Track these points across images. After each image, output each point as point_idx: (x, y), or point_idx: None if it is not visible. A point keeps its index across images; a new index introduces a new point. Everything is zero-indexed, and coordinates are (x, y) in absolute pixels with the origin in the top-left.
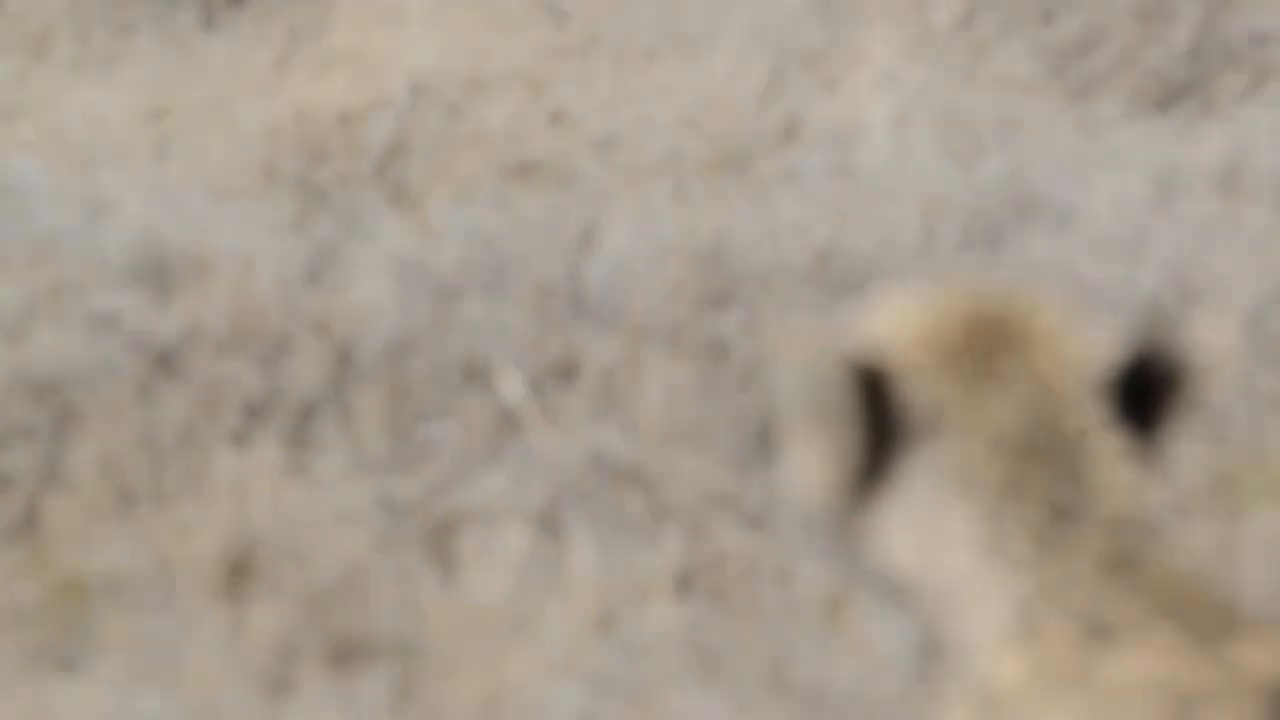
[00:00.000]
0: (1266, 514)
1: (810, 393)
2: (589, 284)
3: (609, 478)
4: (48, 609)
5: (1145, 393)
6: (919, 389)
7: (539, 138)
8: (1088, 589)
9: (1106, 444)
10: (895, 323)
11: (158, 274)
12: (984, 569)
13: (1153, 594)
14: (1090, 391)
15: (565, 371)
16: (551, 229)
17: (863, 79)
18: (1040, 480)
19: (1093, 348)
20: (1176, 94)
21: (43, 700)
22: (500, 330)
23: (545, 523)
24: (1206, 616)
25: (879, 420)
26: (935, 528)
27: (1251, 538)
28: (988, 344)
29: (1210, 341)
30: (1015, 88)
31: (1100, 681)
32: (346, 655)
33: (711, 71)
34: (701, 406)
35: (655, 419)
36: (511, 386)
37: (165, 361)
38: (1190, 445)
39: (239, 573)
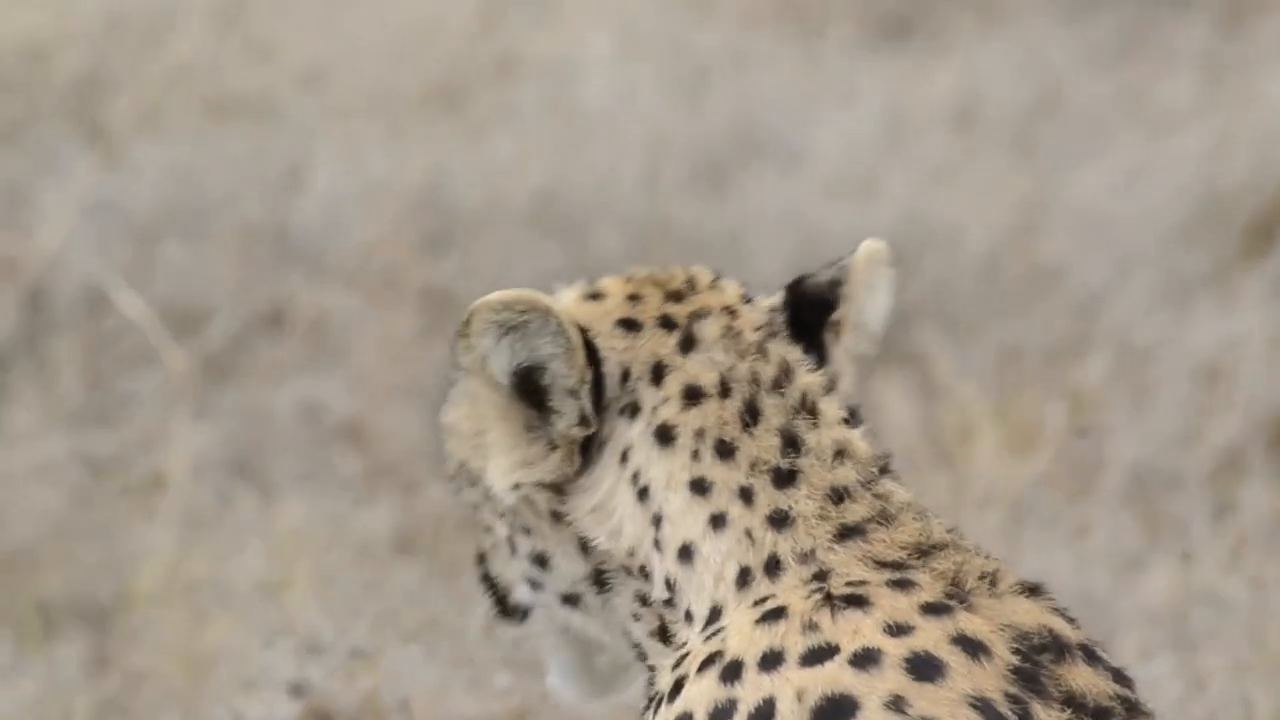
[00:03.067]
0: (999, 466)
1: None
2: (297, 225)
3: (323, 433)
4: None
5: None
6: (612, 357)
7: (240, 71)
8: (803, 536)
9: (809, 389)
10: (584, 303)
11: None
12: (697, 523)
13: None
14: (772, 340)
15: (274, 319)
16: (255, 167)
17: (582, 11)
18: (741, 430)
19: (764, 308)
20: (906, 31)
21: None
22: (204, 275)
23: (253, 479)
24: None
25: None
26: (645, 484)
27: (981, 482)
28: (675, 313)
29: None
30: (742, 22)
31: (825, 628)
32: (46, 619)
33: (423, 1)
34: (421, 357)
35: (372, 370)
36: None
37: None
38: (921, 397)
39: None
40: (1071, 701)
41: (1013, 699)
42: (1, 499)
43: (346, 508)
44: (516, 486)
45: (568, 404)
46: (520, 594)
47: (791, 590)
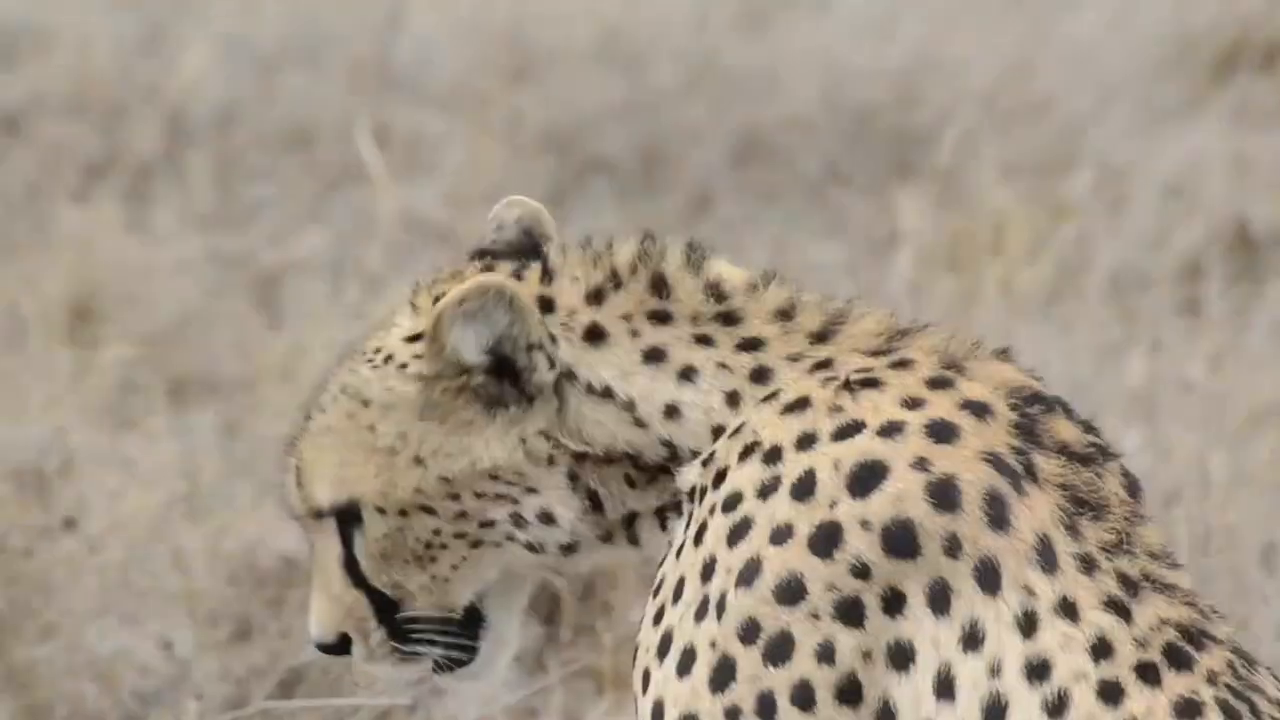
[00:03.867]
0: (1000, 269)
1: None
2: (398, 58)
3: (419, 235)
4: None
5: None
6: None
7: None
8: (780, 347)
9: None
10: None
11: (2, 45)
12: (668, 386)
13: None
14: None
15: (378, 138)
16: (362, 7)
17: None
18: (662, 300)
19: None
20: None
21: None
22: (317, 101)
23: (359, 273)
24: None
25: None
26: (605, 385)
27: (985, 284)
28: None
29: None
30: None
31: (849, 408)
32: (182, 392)
33: None
34: (504, 168)
35: (461, 182)
36: (366, 145)
37: (12, 125)
38: (933, 210)
39: (83, 318)
40: (1063, 450)
41: (1016, 450)
42: (146, 289)
43: None
44: (523, 441)
45: (536, 356)
46: (489, 577)
47: (804, 382)
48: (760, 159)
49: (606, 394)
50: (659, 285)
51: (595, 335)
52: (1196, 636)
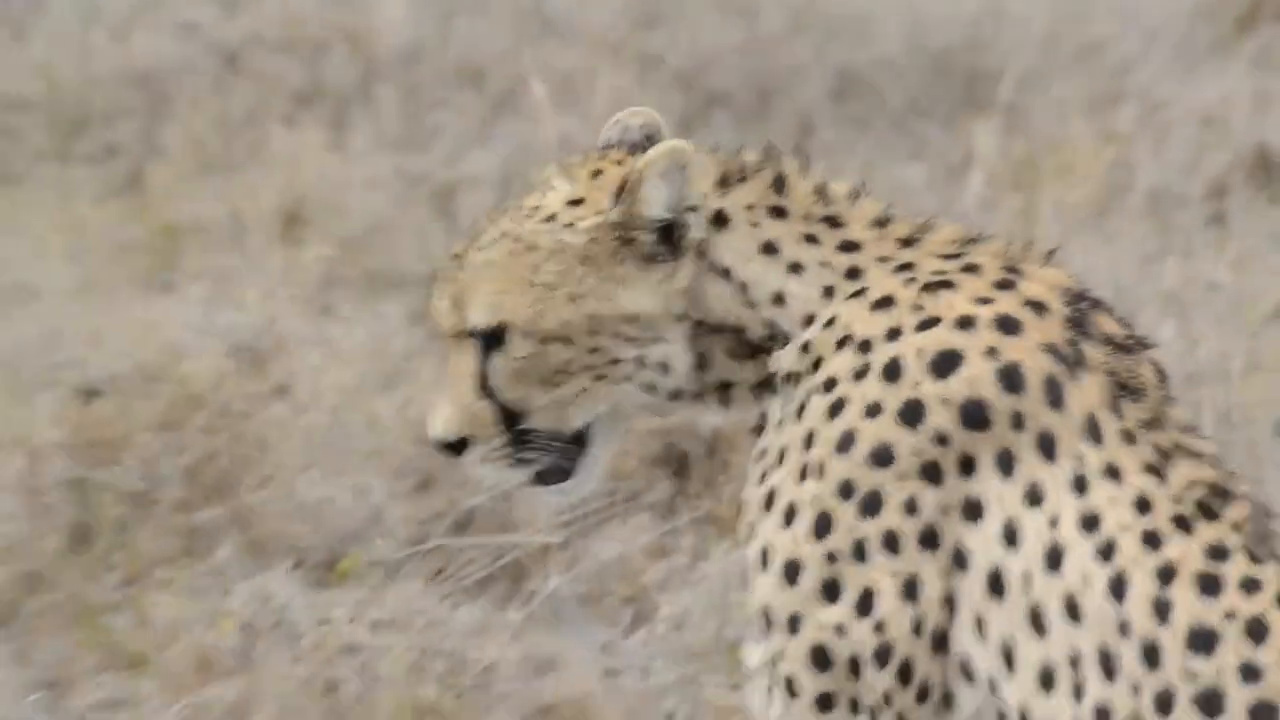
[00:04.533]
0: (1056, 189)
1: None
2: (554, 8)
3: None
4: (150, 246)
5: None
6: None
7: None
8: (873, 250)
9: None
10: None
11: None
12: (779, 276)
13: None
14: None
15: (537, 74)
16: None
17: None
18: (780, 195)
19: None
20: None
21: (147, 312)
22: (488, 42)
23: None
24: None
25: None
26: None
27: (1043, 202)
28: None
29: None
30: None
31: (929, 306)
32: (373, 285)
33: None
34: (638, 103)
35: (604, 113)
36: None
37: (232, 60)
38: (1000, 139)
39: (292, 222)
40: (1108, 341)
41: (1070, 342)
42: (344, 200)
43: None
44: (665, 297)
45: (693, 219)
46: (601, 409)
47: (889, 281)
48: (854, 94)
49: (725, 274)
50: (779, 183)
51: (721, 220)
52: (1222, 493)
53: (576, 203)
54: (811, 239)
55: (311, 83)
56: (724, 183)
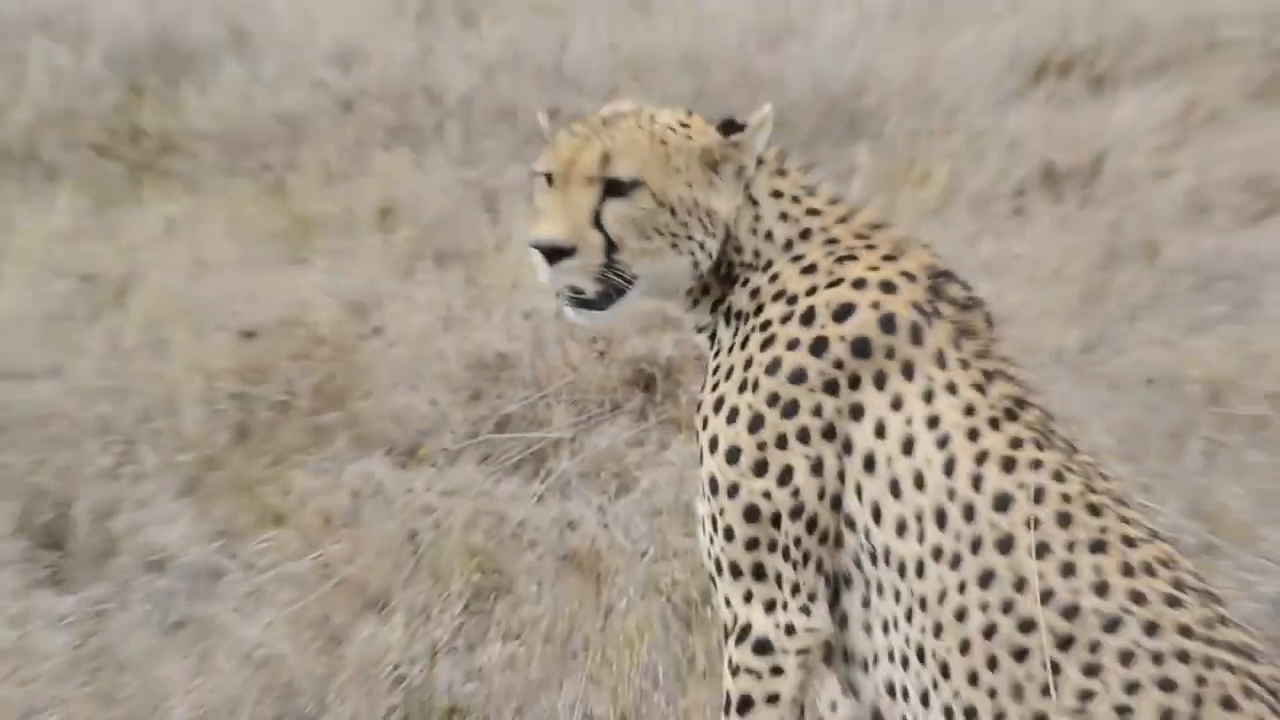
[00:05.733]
0: (911, 191)
1: None
2: (565, 68)
3: None
4: (289, 233)
5: None
6: None
7: None
8: (819, 222)
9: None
10: None
11: (344, 54)
12: (777, 220)
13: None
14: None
15: (550, 116)
16: (543, 35)
17: None
18: (781, 177)
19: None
20: None
21: (287, 279)
22: (519, 92)
23: None
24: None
25: None
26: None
27: (901, 199)
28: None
29: None
30: None
31: (838, 272)
32: (441, 259)
33: None
34: None
35: None
36: (543, 119)
37: (348, 105)
38: (873, 156)
39: (386, 215)
40: (953, 302)
41: (929, 301)
42: (421, 201)
43: None
44: (731, 207)
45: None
46: (658, 269)
47: (816, 252)
48: (774, 127)
49: (754, 203)
50: (780, 159)
51: (758, 164)
52: (1022, 403)
53: (684, 124)
54: (794, 199)
55: (400, 121)
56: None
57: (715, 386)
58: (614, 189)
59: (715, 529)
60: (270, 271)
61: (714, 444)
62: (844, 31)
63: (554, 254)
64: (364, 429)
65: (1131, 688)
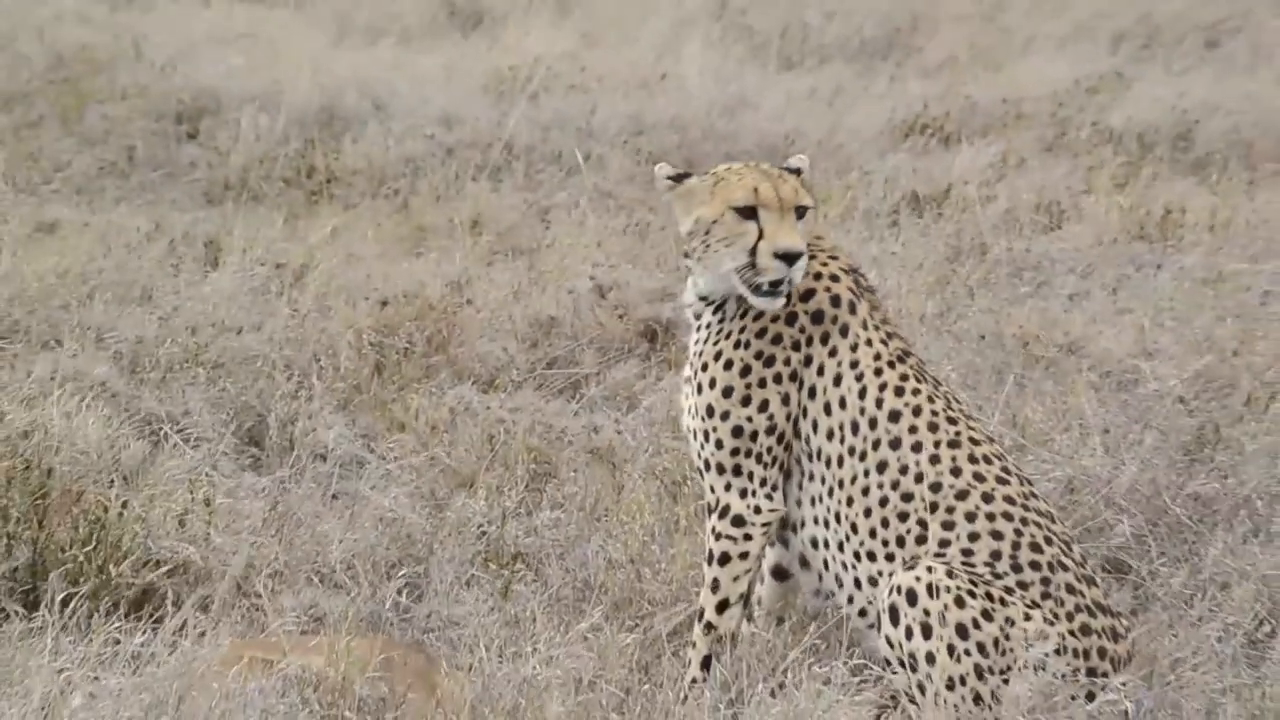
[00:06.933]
0: (821, 212)
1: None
2: (593, 124)
3: (601, 199)
4: (411, 237)
5: None
6: None
7: None
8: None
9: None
10: None
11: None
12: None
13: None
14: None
15: (581, 154)
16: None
17: None
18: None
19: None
20: None
21: (410, 267)
22: (562, 141)
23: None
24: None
25: None
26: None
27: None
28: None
29: None
30: None
31: None
32: (512, 254)
33: None
34: (623, 168)
35: (617, 175)
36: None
37: (450, 151)
38: None
39: (475, 225)
40: (867, 288)
41: (855, 285)
42: (499, 214)
43: None
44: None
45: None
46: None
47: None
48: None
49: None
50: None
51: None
52: (909, 354)
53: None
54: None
55: (482, 161)
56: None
57: (717, 344)
58: (801, 213)
59: (708, 440)
60: (398, 262)
61: (713, 383)
62: (779, 105)
63: (793, 258)
64: (459, 367)
65: (973, 536)
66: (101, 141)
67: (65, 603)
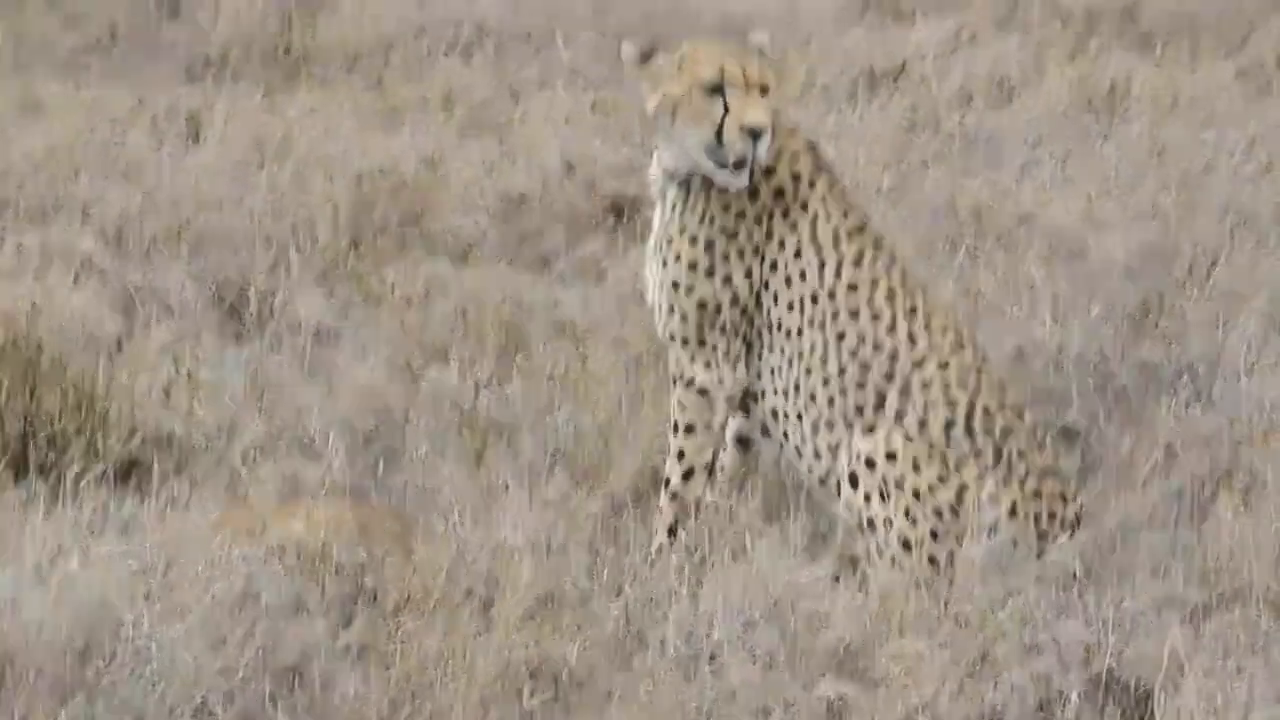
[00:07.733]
0: None
1: None
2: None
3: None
4: (387, 112)
5: None
6: None
7: None
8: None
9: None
10: None
11: None
12: None
13: None
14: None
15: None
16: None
17: None
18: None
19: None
20: None
21: (388, 142)
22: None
23: None
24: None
25: None
26: None
27: None
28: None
29: None
30: None
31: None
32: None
33: None
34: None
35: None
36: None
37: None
38: None
39: (447, 100)
40: (827, 165)
41: (816, 162)
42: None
43: None
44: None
45: None
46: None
47: None
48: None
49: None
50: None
51: None
52: (864, 226)
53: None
54: None
55: (454, 39)
56: None
57: (682, 219)
58: (764, 91)
59: (673, 313)
60: (374, 137)
61: (678, 258)
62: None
63: (761, 134)
64: (433, 241)
65: (930, 405)
66: (85, 19)
67: (54, 471)
